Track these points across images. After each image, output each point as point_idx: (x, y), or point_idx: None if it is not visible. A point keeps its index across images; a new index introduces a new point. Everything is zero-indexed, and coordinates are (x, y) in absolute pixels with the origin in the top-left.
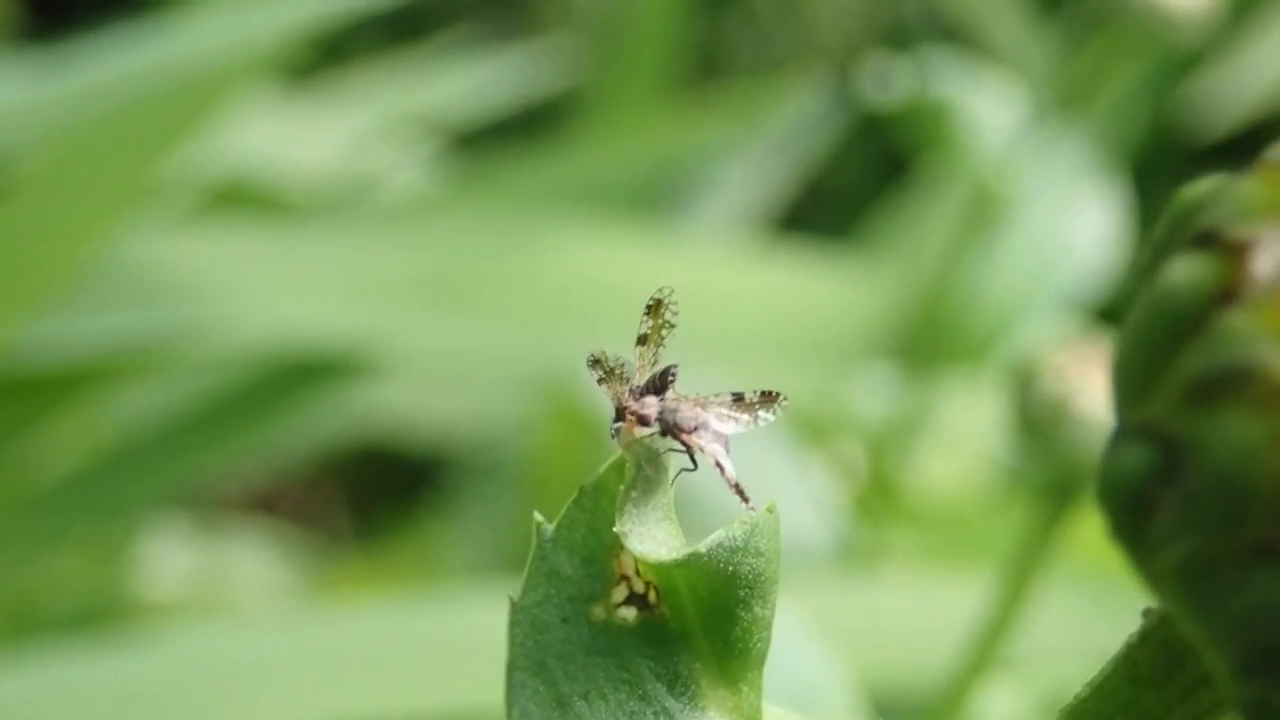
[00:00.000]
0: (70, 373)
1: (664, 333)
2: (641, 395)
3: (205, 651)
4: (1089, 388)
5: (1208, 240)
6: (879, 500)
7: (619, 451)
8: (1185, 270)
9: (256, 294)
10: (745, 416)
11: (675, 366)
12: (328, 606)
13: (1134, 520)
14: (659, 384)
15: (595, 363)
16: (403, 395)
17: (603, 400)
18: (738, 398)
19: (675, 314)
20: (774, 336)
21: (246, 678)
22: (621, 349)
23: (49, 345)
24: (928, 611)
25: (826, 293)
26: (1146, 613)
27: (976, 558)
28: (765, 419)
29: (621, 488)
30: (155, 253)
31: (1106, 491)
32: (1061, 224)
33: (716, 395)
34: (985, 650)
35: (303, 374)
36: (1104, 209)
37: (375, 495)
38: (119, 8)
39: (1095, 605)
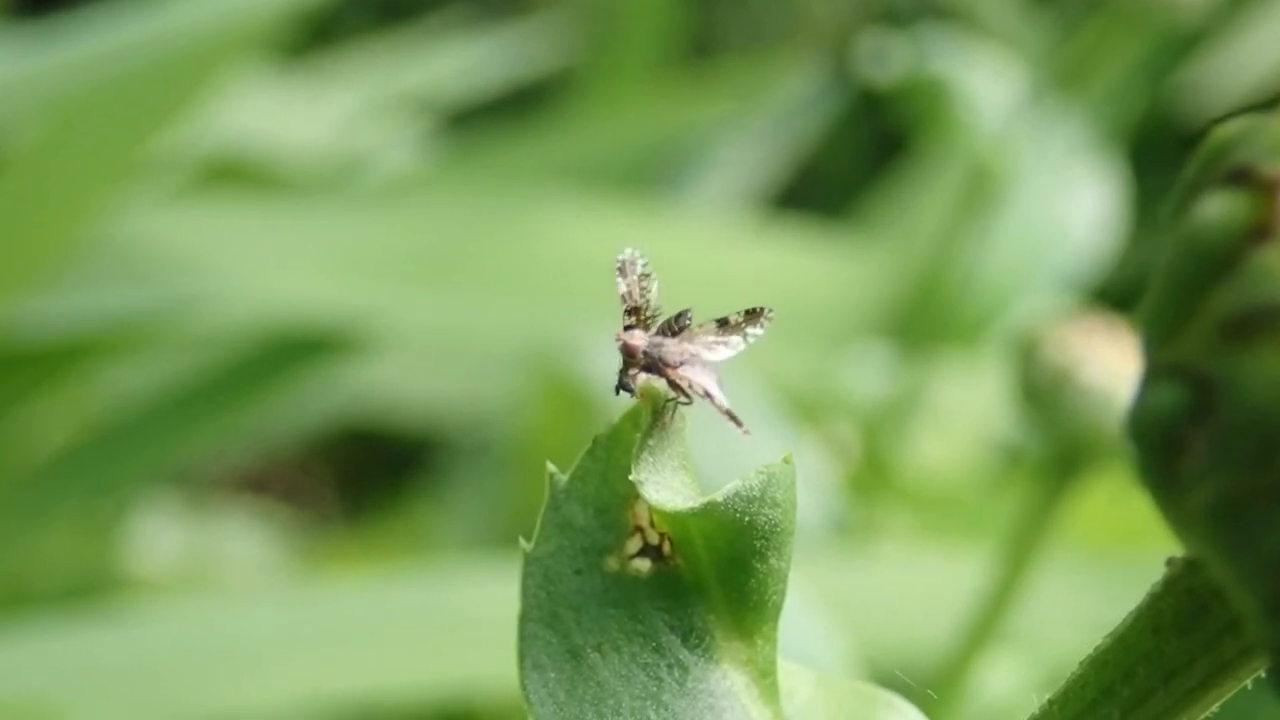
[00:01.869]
0: (62, 349)
1: (645, 285)
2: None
3: (195, 626)
4: (1092, 359)
5: (1240, 178)
6: (872, 480)
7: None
8: (1218, 208)
9: (248, 271)
10: (734, 338)
11: (689, 311)
12: (316, 583)
13: (1165, 460)
14: (675, 327)
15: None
16: (392, 374)
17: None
18: (722, 323)
19: (647, 273)
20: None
21: (236, 652)
22: (612, 325)
23: (41, 321)
24: (921, 589)
25: (821, 272)
26: (1170, 561)
27: (969, 537)
28: (754, 335)
29: (637, 437)
30: (147, 229)
31: (1137, 431)
32: (1057, 204)
33: (701, 325)
34: (987, 624)
35: (295, 350)
36: (1100, 189)
37: (364, 475)
38: None
39: (1096, 579)
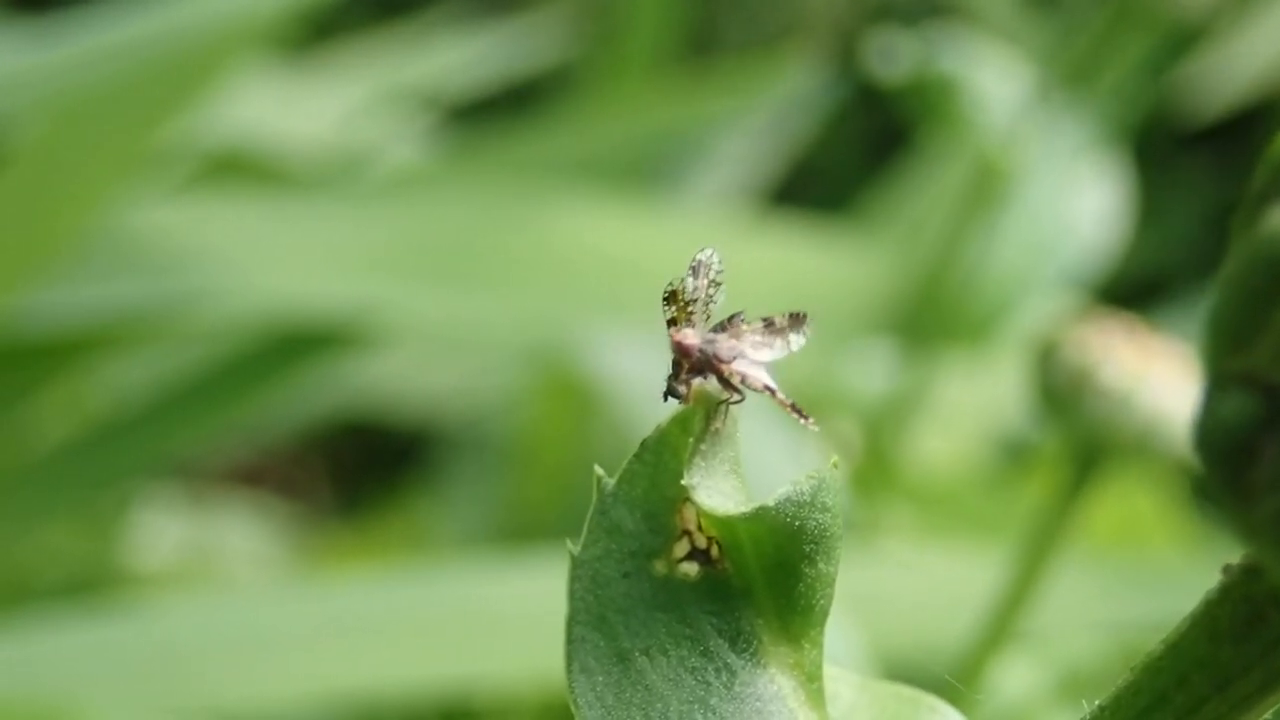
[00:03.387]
0: (64, 342)
1: (712, 293)
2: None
3: (195, 621)
4: (1112, 359)
5: None
6: (876, 476)
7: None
8: None
9: (250, 265)
10: (779, 340)
11: (742, 312)
12: (316, 578)
13: (1234, 469)
14: (725, 326)
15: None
16: (391, 369)
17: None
18: (768, 323)
19: (719, 281)
20: (770, 311)
21: (236, 647)
22: (615, 320)
23: (43, 315)
24: (926, 587)
25: (823, 268)
26: (1226, 568)
27: (973, 534)
28: (798, 341)
29: (688, 440)
30: (150, 223)
31: (1206, 440)
32: (1063, 201)
33: (748, 324)
34: (1002, 622)
35: (297, 345)
36: (1106, 187)
37: (363, 469)
38: None
39: (1109, 579)
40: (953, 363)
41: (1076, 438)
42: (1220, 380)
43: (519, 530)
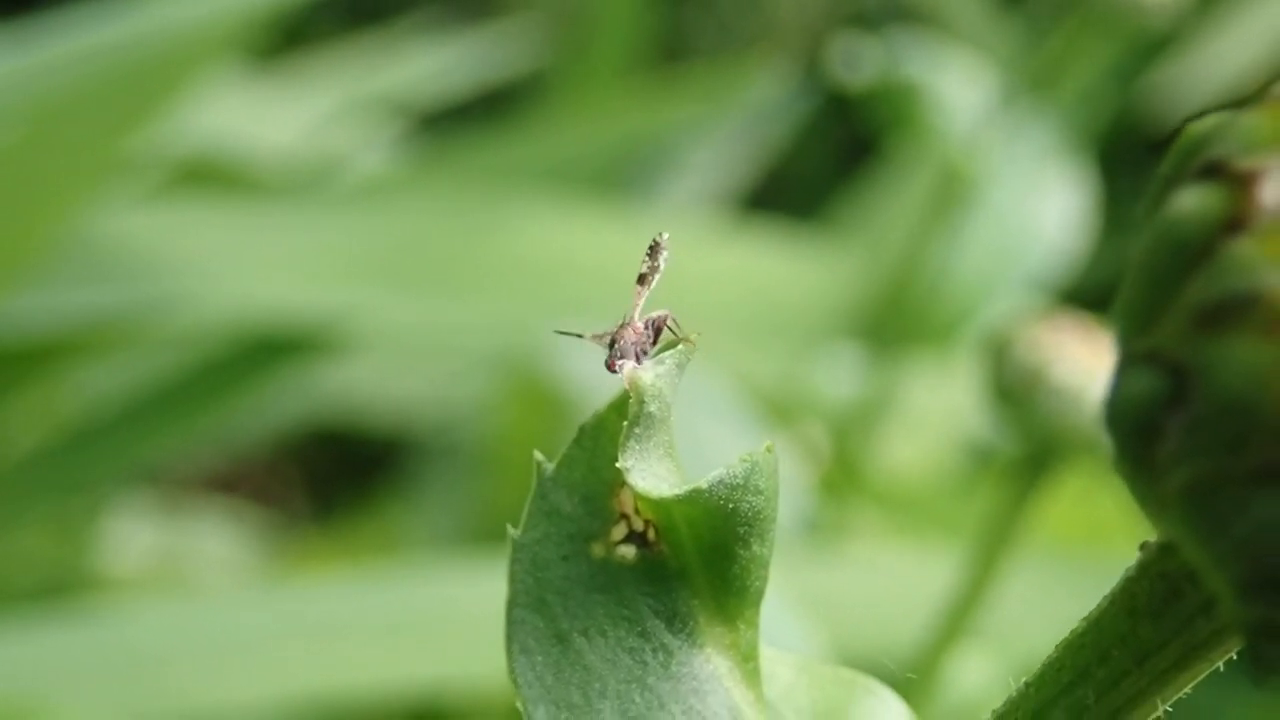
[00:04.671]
0: (36, 348)
1: (655, 275)
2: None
3: (167, 626)
4: (1063, 357)
5: (1215, 171)
6: (843, 480)
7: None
8: (1193, 200)
9: (221, 272)
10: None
11: (667, 314)
12: (288, 583)
13: (1141, 446)
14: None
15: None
16: (362, 376)
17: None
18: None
19: (667, 259)
20: (739, 317)
21: (208, 652)
22: (585, 327)
23: (15, 321)
24: (892, 588)
25: (792, 274)
26: (1144, 546)
27: (940, 536)
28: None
29: (623, 424)
30: (120, 230)
31: (1113, 418)
32: (1028, 207)
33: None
34: (958, 620)
35: (267, 351)
36: (1070, 192)
37: (335, 476)
38: None
39: (1065, 576)
40: (919, 367)
41: (1030, 436)
42: (1128, 359)
43: (490, 534)
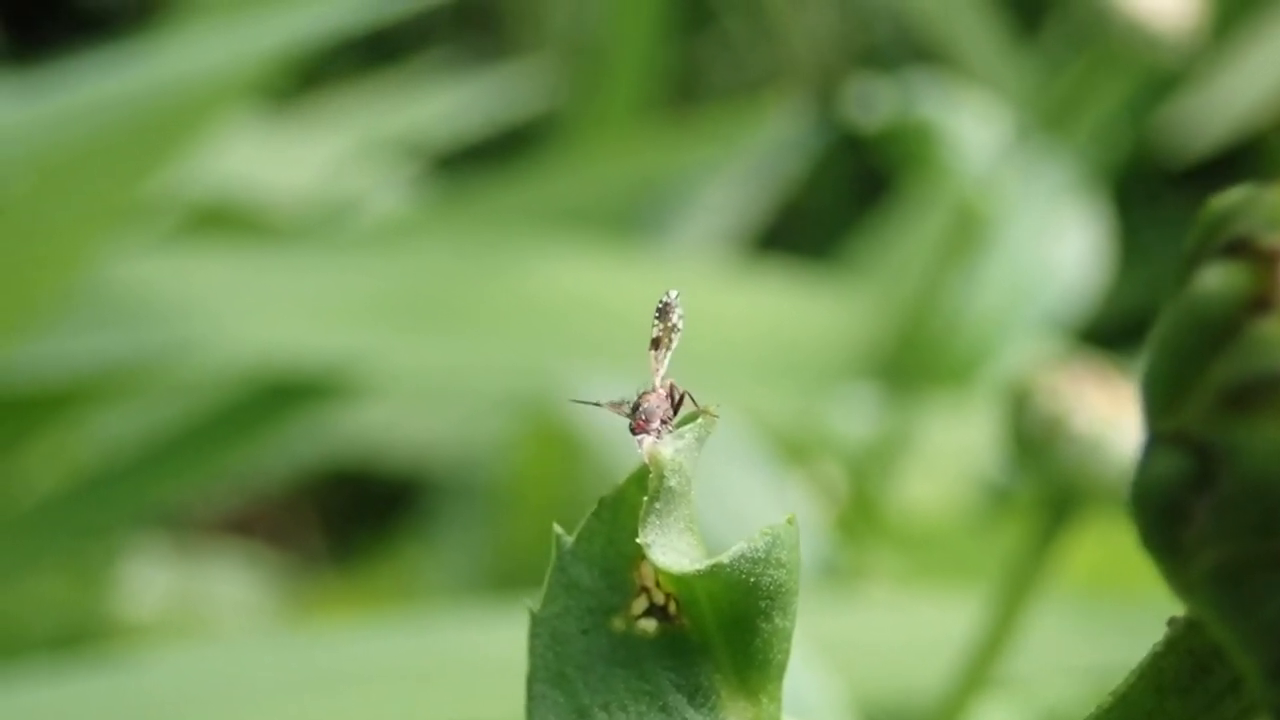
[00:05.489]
0: (51, 395)
1: (674, 336)
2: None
3: (185, 671)
4: (1084, 406)
5: (1239, 249)
6: (860, 521)
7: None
8: (1217, 279)
9: (237, 316)
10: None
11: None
12: (307, 627)
13: (1167, 528)
14: (673, 400)
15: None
16: (378, 418)
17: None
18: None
19: (682, 317)
20: (754, 357)
21: (226, 697)
22: (600, 368)
23: (30, 367)
24: (911, 632)
25: (807, 313)
26: (1172, 621)
27: (958, 578)
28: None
29: (644, 499)
30: (135, 275)
31: (1139, 499)
32: (1043, 244)
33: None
34: (979, 669)
35: (283, 394)
36: (1086, 230)
37: (351, 518)
38: (93, 30)
39: (1087, 623)
40: (936, 406)
41: (1050, 485)
42: (1154, 439)
43: (508, 575)
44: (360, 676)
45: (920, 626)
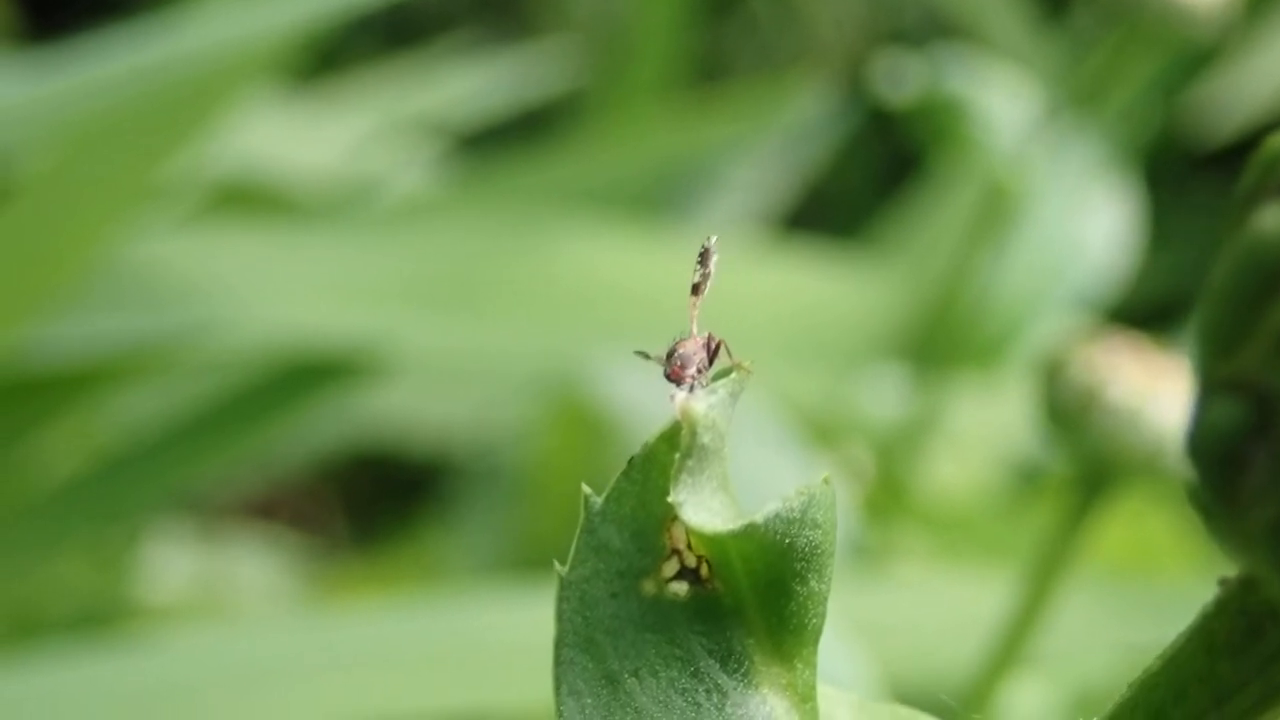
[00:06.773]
0: (72, 376)
1: (709, 282)
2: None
3: (207, 654)
4: (1119, 378)
5: None
6: (888, 502)
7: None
8: (1275, 219)
9: (259, 296)
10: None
11: (720, 341)
12: (329, 610)
13: (1224, 478)
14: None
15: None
16: (402, 400)
17: (607, 403)
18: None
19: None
20: (782, 337)
21: (249, 680)
22: (626, 348)
23: (51, 348)
24: (941, 612)
25: (835, 293)
26: (1223, 581)
27: (987, 558)
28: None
29: (676, 457)
30: (157, 255)
31: (1195, 448)
32: (1073, 223)
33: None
34: (1012, 646)
35: (306, 376)
36: (1116, 208)
37: (374, 501)
38: (113, 10)
39: (1120, 600)
40: (965, 387)
41: (1084, 457)
42: (1209, 387)
43: (531, 559)
44: (382, 659)
45: (950, 606)
